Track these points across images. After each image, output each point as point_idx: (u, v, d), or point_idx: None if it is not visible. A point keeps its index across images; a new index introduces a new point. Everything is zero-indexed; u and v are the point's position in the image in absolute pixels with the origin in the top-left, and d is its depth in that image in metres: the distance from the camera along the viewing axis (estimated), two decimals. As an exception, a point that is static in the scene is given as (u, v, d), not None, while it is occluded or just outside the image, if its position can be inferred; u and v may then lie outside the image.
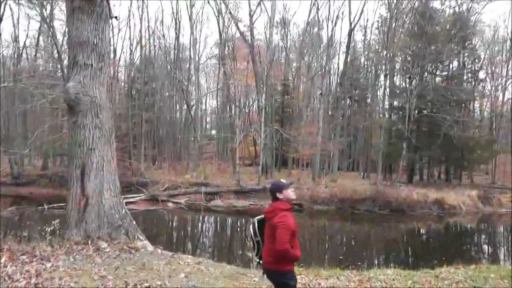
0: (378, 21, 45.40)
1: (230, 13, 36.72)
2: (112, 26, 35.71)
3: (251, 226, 4.58)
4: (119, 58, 45.63)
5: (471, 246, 19.53)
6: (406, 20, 36.30)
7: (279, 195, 4.30)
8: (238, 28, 36.03)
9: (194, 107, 42.72)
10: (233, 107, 41.55)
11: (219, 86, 48.71)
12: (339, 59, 47.24)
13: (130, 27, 66.22)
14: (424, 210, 25.12)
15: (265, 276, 4.48)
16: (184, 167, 40.20)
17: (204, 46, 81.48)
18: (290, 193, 4.33)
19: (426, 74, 36.10)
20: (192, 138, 43.49)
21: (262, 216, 4.50)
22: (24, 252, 6.94)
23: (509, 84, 43.60)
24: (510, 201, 27.28)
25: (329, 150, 36.66)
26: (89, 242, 7.83)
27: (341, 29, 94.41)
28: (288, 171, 38.59)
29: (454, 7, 37.10)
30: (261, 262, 4.48)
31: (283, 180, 4.52)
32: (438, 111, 31.96)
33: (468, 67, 39.86)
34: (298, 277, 7.47)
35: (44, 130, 28.97)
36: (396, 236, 20.72)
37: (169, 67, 45.11)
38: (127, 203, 13.59)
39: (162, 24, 75.91)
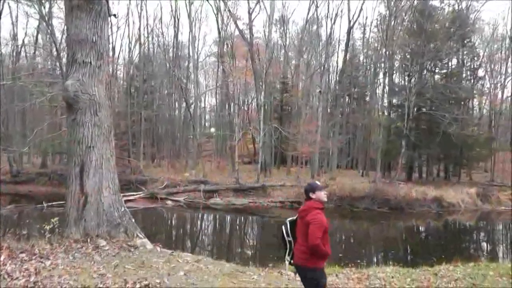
0: (377, 19, 45.28)
1: (229, 11, 36.68)
2: (111, 24, 35.68)
3: (283, 227, 4.82)
4: (118, 56, 45.69)
5: (470, 243, 19.55)
6: (405, 18, 36.27)
7: (312, 195, 4.59)
8: (237, 26, 36.00)
9: (193, 105, 42.67)
10: (232, 105, 41.50)
11: (218, 84, 48.61)
12: (338, 57, 47.26)
13: (129, 25, 66.39)
14: (423, 207, 25.13)
15: (296, 275, 4.77)
16: (183, 165, 40.22)
17: (203, 44, 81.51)
18: (323, 195, 4.61)
19: (425, 72, 36.14)
20: (191, 136, 43.41)
21: (294, 217, 4.79)
22: (23, 250, 6.94)
23: (508, 82, 43.72)
24: (509, 198, 27.32)
25: (328, 148, 36.69)
26: (88, 240, 7.84)
27: (340, 27, 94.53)
28: (287, 169, 38.59)
29: (453, 5, 37.14)
30: (292, 262, 4.72)
31: (318, 182, 4.85)
32: (437, 109, 31.99)
33: (467, 65, 39.93)
34: (297, 274, 7.53)
35: (43, 128, 28.91)
36: (395, 234, 20.75)
37: (168, 65, 45.08)
38: (126, 201, 13.59)
39: (161, 22, 76.19)
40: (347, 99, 48.39)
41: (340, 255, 13.79)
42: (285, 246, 4.82)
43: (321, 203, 4.59)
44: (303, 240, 4.47)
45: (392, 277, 7.64)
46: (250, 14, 34.16)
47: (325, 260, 4.59)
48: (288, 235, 4.78)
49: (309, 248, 4.34)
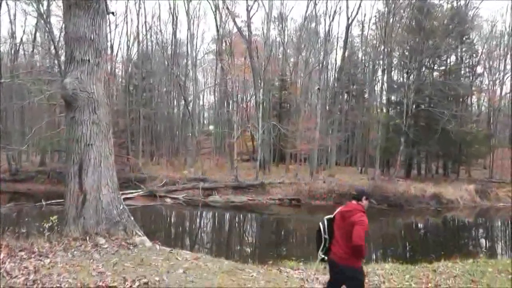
0: (375, 16, 45.24)
1: (227, 8, 36.72)
2: (109, 21, 35.65)
3: (320, 223, 5.15)
4: (117, 54, 45.58)
5: (468, 240, 19.59)
6: (403, 15, 36.23)
7: (363, 200, 4.98)
8: (235, 23, 36.03)
9: (191, 103, 42.62)
10: (230, 102, 41.53)
11: (216, 82, 48.70)
12: (336, 54, 47.32)
13: (127, 23, 66.35)
14: (422, 204, 25.19)
15: (322, 267, 5.30)
16: (182, 162, 40.23)
17: (202, 42, 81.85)
18: (367, 203, 5.03)
19: (423, 68, 36.11)
20: (190, 134, 43.48)
21: (331, 215, 5.10)
22: (23, 248, 6.93)
23: (506, 78, 43.70)
24: (507, 195, 27.36)
25: (327, 145, 36.69)
26: (87, 238, 7.83)
27: (338, 24, 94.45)
28: (285, 166, 38.58)
29: (451, 2, 37.07)
30: (325, 258, 5.03)
31: None
32: (435, 105, 31.98)
33: (465, 61, 39.86)
34: (296, 271, 7.56)
35: (41, 126, 28.90)
36: (394, 231, 20.78)
37: (166, 62, 45.05)
38: (125, 199, 13.61)
39: (159, 20, 76.09)
40: (345, 96, 48.42)
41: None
42: (320, 242, 5.08)
43: (363, 207, 4.90)
44: (344, 239, 4.70)
45: (391, 274, 7.65)
46: (248, 11, 34.22)
47: (361, 260, 4.84)
48: (325, 232, 5.04)
49: (350, 247, 4.56)
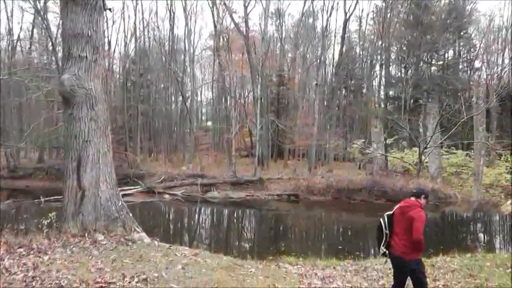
0: (373, 11, 45.27)
1: (224, 4, 36.60)
2: (106, 18, 35.57)
3: (381, 220, 5.50)
4: (114, 50, 45.49)
5: (467, 234, 19.61)
6: (401, 9, 36.22)
7: (422, 198, 5.31)
8: (232, 19, 35.94)
9: (189, 99, 42.60)
10: (228, 98, 41.46)
11: (214, 78, 48.59)
12: (334, 49, 47.24)
13: (124, 19, 65.83)
14: (420, 199, 25.14)
15: (386, 259, 5.57)
16: (180, 158, 40.19)
17: (199, 38, 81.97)
18: (425, 202, 5.33)
19: (421, 63, 36.17)
20: (188, 130, 43.43)
21: (391, 212, 5.46)
22: (21, 245, 6.95)
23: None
24: (505, 189, 27.37)
25: (325, 140, 36.69)
26: (86, 235, 7.84)
27: (336, 19, 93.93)
28: (284, 162, 38.60)
29: (449, -4, 37.05)
30: (386, 252, 5.41)
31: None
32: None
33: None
34: (295, 267, 7.58)
35: (39, 123, 28.88)
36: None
37: (164, 59, 44.92)
38: (123, 195, 13.58)
39: (157, 16, 76.09)
40: (343, 92, 48.44)
41: (339, 247, 13.87)
42: (381, 237, 5.44)
43: (421, 205, 5.22)
44: (404, 233, 5.07)
45: (390, 269, 7.65)
46: (245, 7, 34.20)
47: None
48: (386, 228, 5.39)
49: (411, 242, 4.92)
